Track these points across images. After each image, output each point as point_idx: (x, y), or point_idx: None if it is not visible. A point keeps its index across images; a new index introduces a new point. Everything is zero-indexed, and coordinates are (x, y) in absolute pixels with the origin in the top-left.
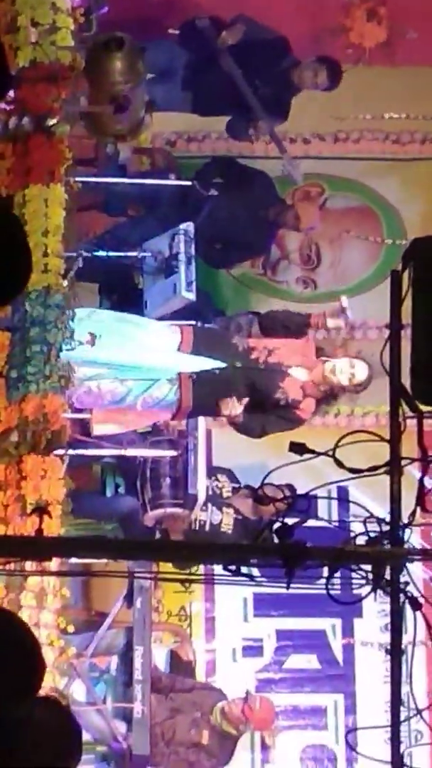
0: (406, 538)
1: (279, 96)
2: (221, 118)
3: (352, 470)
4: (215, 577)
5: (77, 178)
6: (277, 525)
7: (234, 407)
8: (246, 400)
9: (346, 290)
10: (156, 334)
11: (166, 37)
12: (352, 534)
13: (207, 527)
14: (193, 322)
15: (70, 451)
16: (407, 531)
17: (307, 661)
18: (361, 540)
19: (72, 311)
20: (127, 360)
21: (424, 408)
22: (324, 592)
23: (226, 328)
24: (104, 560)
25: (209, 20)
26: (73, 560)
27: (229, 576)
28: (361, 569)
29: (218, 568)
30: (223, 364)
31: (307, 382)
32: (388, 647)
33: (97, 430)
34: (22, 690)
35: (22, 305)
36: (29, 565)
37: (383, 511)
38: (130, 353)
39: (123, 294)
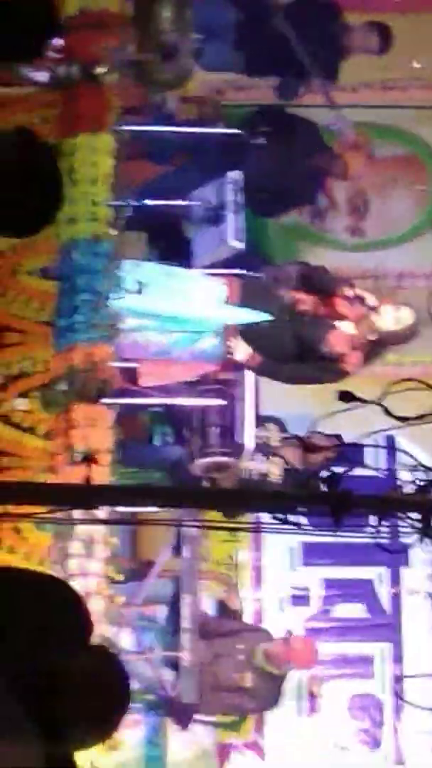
0: None
1: (329, 59)
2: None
3: (400, 419)
4: (263, 526)
5: (125, 127)
6: (324, 474)
7: (239, 347)
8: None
9: (394, 239)
10: (203, 286)
11: None
12: (400, 483)
13: (255, 476)
14: (241, 272)
15: (119, 400)
16: None
17: (355, 610)
18: (408, 488)
19: (120, 260)
20: (173, 311)
21: None
22: (372, 540)
23: (274, 278)
24: (152, 509)
25: None
26: (122, 509)
27: (276, 524)
28: (408, 518)
29: (266, 517)
30: (269, 317)
31: (355, 335)
32: None
33: (145, 381)
34: (72, 643)
35: (70, 254)
36: (77, 514)
37: (431, 461)
38: (176, 305)
39: (171, 243)
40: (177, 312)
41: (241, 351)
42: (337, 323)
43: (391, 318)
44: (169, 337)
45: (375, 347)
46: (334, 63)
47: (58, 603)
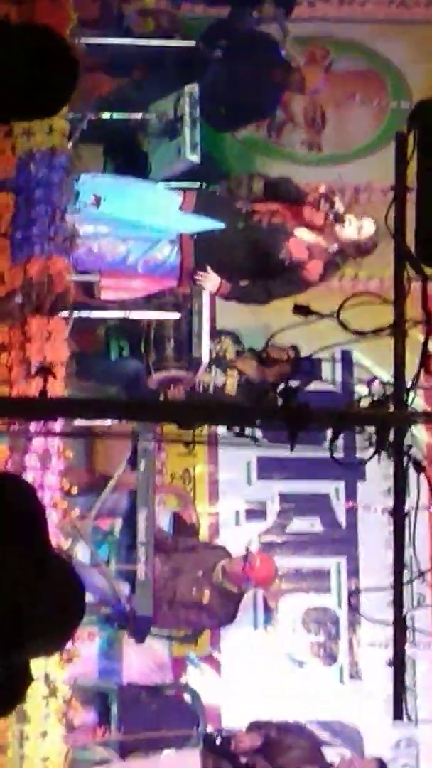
0: (410, 400)
1: None
2: None
3: (356, 332)
4: (219, 439)
5: (82, 39)
6: (281, 387)
7: (210, 280)
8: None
9: (351, 153)
10: (158, 195)
11: None
12: (356, 396)
13: (211, 390)
14: (198, 185)
15: (75, 314)
16: (411, 394)
17: (311, 525)
18: (365, 403)
19: (77, 173)
20: (129, 218)
21: (429, 271)
22: (328, 455)
23: (230, 189)
24: (108, 422)
25: None
26: (78, 422)
27: (232, 438)
28: (364, 432)
29: (222, 430)
30: (223, 225)
31: (313, 243)
32: (391, 510)
33: (104, 295)
34: (26, 547)
35: (27, 166)
36: (33, 427)
37: (387, 375)
38: (132, 212)
39: (127, 156)
40: (132, 218)
41: (212, 282)
42: (295, 230)
43: (353, 228)
44: (124, 245)
45: (335, 258)
46: None
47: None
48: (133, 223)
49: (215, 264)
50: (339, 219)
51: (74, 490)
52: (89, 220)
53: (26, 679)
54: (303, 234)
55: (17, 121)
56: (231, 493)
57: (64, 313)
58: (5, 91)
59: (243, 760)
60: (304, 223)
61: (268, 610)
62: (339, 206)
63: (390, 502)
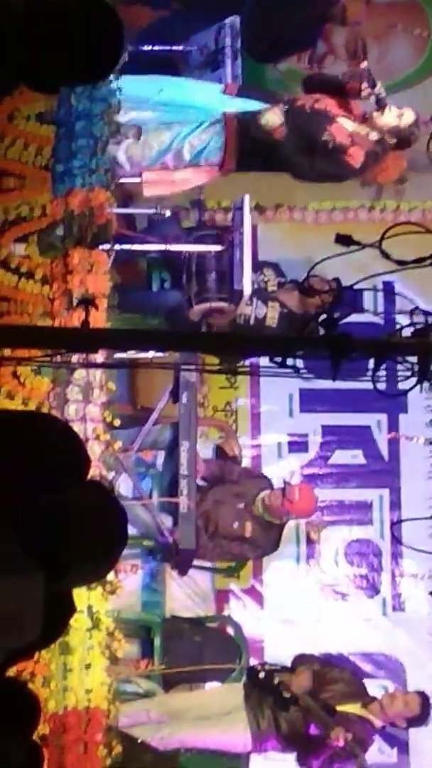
0: None
1: None
2: None
3: (398, 262)
4: (261, 369)
5: None
6: (323, 317)
7: (273, 116)
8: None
9: (393, 84)
10: (200, 82)
11: None
12: (398, 326)
13: (252, 321)
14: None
15: (116, 246)
16: None
17: (353, 457)
18: (407, 332)
19: (118, 104)
20: (172, 100)
21: None
22: (370, 386)
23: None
24: (150, 354)
25: None
26: (120, 354)
27: (274, 368)
28: (406, 361)
29: (264, 362)
30: (268, 105)
31: (355, 131)
32: None
33: (148, 191)
34: (69, 477)
35: (68, 99)
36: (75, 358)
37: (429, 305)
38: (175, 96)
39: None
40: (176, 103)
41: (276, 118)
42: (337, 117)
43: (394, 114)
44: (169, 131)
45: (376, 147)
46: None
47: (51, 438)
48: (177, 109)
49: (257, 148)
50: (380, 104)
51: (116, 423)
52: (135, 110)
53: (70, 609)
54: (344, 122)
55: (67, 86)
56: (273, 425)
57: (106, 246)
58: (50, 61)
59: (286, 694)
60: (346, 112)
61: (310, 542)
62: (380, 89)
63: None
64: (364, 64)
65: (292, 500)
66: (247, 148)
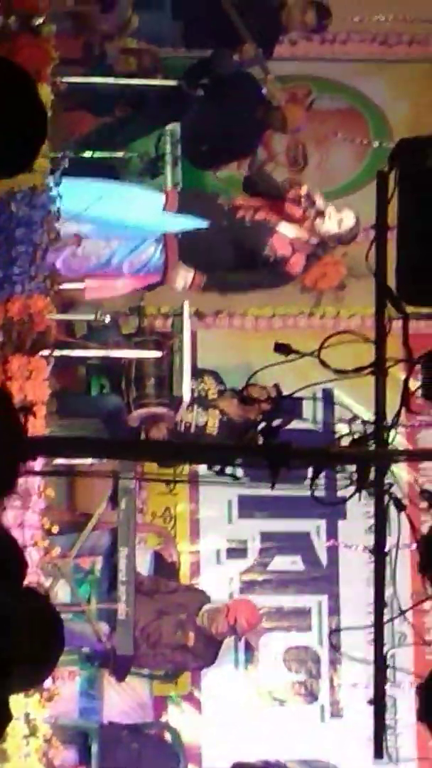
0: (390, 439)
1: (266, 33)
2: None
3: (337, 371)
4: (200, 478)
5: (64, 78)
6: (262, 426)
7: (181, 276)
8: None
9: (333, 191)
10: (142, 195)
11: None
12: (337, 435)
13: (192, 428)
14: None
15: (56, 352)
16: (392, 432)
17: (292, 563)
18: (346, 441)
19: (58, 211)
20: (113, 217)
21: (409, 309)
22: (309, 493)
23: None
24: (89, 461)
25: None
26: (58, 461)
27: (213, 476)
28: (345, 470)
29: (203, 469)
30: (207, 223)
31: (295, 237)
32: (372, 549)
33: (89, 296)
34: (5, 584)
35: (8, 206)
36: None
37: (368, 413)
38: (115, 209)
39: None
40: (116, 218)
41: (181, 279)
42: (278, 227)
43: (334, 221)
44: (107, 245)
45: (317, 249)
46: (272, 39)
47: None
48: (117, 224)
49: (200, 261)
50: (319, 214)
51: (55, 529)
52: (74, 221)
53: (5, 717)
54: (285, 229)
55: None
56: (212, 531)
57: (45, 352)
58: None
59: None
60: (286, 218)
61: (249, 648)
62: (320, 203)
63: (371, 541)
64: (303, 190)
65: (237, 612)
66: (187, 264)
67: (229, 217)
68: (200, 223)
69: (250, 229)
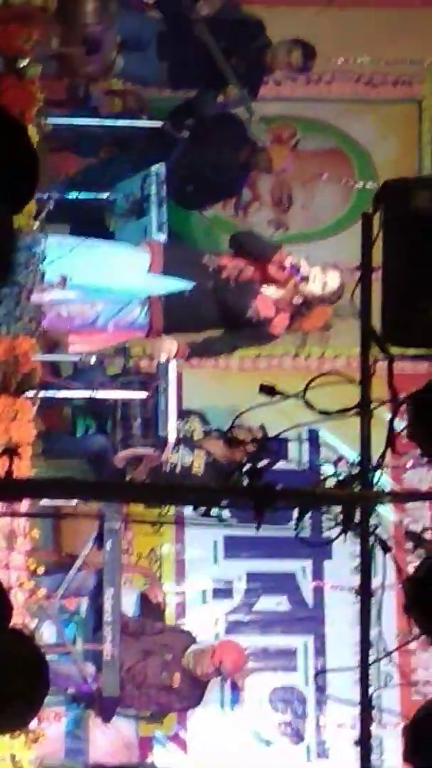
0: (376, 480)
1: (251, 74)
2: None
3: (322, 412)
4: (185, 519)
5: (49, 120)
6: (247, 467)
7: (166, 346)
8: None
9: (318, 231)
10: (125, 255)
11: (139, 7)
12: (323, 476)
13: (178, 469)
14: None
15: (41, 393)
16: (377, 473)
17: (277, 603)
18: (331, 482)
19: (42, 252)
20: (96, 283)
21: (394, 350)
22: (294, 534)
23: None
24: (74, 502)
25: None
26: (44, 502)
27: (199, 517)
28: (330, 511)
29: (189, 510)
30: (191, 285)
31: (280, 299)
32: (358, 589)
33: (73, 348)
34: None
35: None
36: None
37: (353, 454)
38: (99, 276)
39: (94, 236)
40: (100, 283)
41: (165, 352)
42: (262, 288)
43: (318, 284)
44: (92, 308)
45: (301, 308)
46: (257, 80)
47: None
48: (101, 289)
49: (183, 322)
50: (304, 279)
51: (40, 570)
52: (59, 288)
53: None
54: (269, 291)
55: None
56: (198, 572)
57: (31, 393)
58: None
59: None
60: (270, 280)
61: (235, 688)
62: (304, 269)
63: (357, 581)
64: (287, 259)
65: (223, 654)
66: (171, 325)
67: (214, 278)
68: (185, 285)
69: (234, 290)
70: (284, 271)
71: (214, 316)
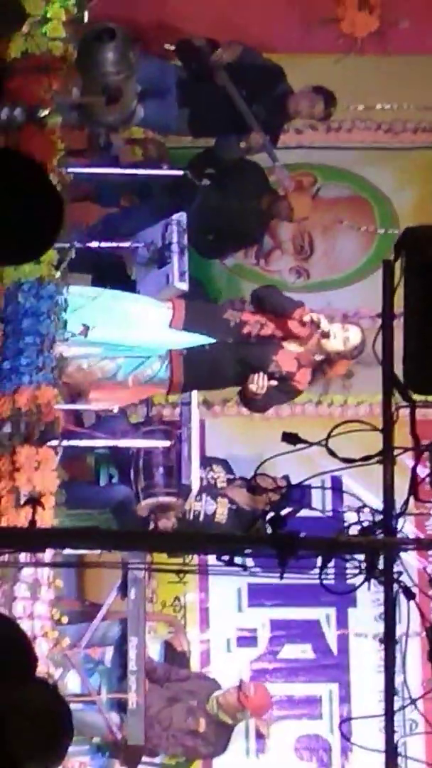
0: (399, 527)
1: (272, 121)
2: None
3: (345, 460)
4: (209, 567)
5: (69, 169)
6: (270, 515)
7: (260, 383)
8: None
9: (340, 279)
10: (147, 310)
11: (159, 54)
12: (346, 524)
13: (201, 517)
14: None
15: (64, 442)
16: (400, 520)
17: (302, 651)
18: (354, 530)
19: (65, 302)
20: (118, 338)
21: (416, 397)
22: (318, 582)
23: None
24: (98, 551)
25: (205, 40)
26: (67, 551)
27: (222, 566)
28: (354, 559)
29: (212, 558)
30: (213, 340)
31: (301, 354)
32: (382, 637)
33: (94, 405)
34: (16, 676)
35: (15, 297)
36: (23, 557)
37: (377, 501)
38: (121, 331)
39: (116, 285)
40: (121, 338)
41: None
42: (284, 343)
43: (339, 340)
44: (112, 362)
45: (322, 365)
46: (278, 127)
47: (2, 639)
48: (121, 342)
49: (204, 377)
50: (325, 335)
51: (64, 620)
52: (78, 343)
53: None
54: (290, 346)
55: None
56: (222, 620)
57: (54, 442)
58: None
59: None
60: (291, 335)
61: (260, 736)
62: (324, 325)
63: (381, 629)
64: (308, 316)
65: (247, 697)
66: (191, 380)
67: (235, 334)
68: (206, 340)
69: (255, 345)
70: (305, 327)
71: (235, 372)
